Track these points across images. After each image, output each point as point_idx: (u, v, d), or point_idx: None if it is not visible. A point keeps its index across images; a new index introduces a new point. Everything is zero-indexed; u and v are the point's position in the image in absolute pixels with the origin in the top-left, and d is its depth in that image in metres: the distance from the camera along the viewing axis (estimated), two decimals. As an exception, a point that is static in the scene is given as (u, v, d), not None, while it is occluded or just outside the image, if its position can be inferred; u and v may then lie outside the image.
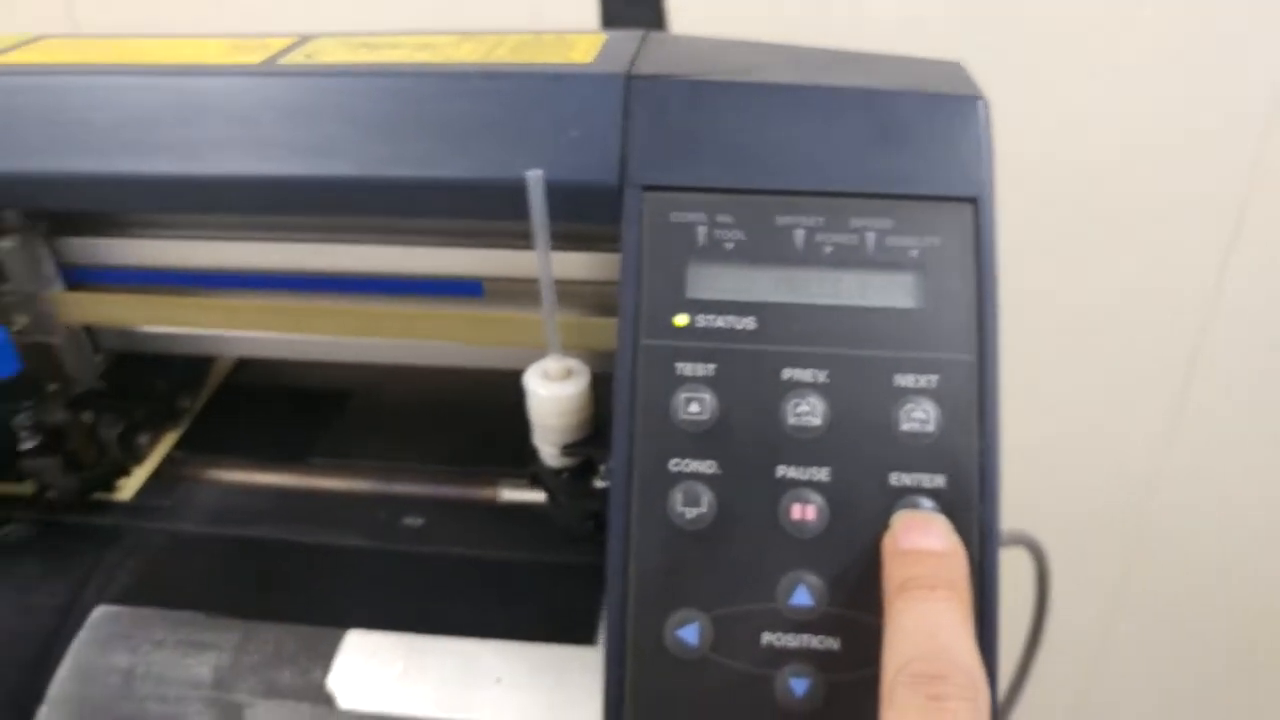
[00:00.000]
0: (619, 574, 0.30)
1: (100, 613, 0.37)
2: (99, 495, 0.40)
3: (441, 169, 0.32)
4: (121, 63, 0.36)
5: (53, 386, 0.39)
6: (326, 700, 0.34)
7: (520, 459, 0.40)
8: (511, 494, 0.41)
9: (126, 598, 0.37)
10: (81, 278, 0.39)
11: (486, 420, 0.44)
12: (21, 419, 0.38)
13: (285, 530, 0.39)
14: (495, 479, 0.41)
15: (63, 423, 0.38)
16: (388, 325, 0.38)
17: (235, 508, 0.41)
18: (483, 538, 0.39)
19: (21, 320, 0.39)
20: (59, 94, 0.34)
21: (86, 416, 0.39)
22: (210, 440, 0.44)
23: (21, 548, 0.39)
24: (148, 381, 0.43)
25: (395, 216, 0.36)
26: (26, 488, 0.40)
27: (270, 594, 0.37)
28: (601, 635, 0.35)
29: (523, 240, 0.37)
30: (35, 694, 0.35)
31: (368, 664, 0.34)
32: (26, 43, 0.39)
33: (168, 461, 0.43)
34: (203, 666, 0.35)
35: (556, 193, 0.31)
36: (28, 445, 0.38)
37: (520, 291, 0.38)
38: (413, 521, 0.39)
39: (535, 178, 0.30)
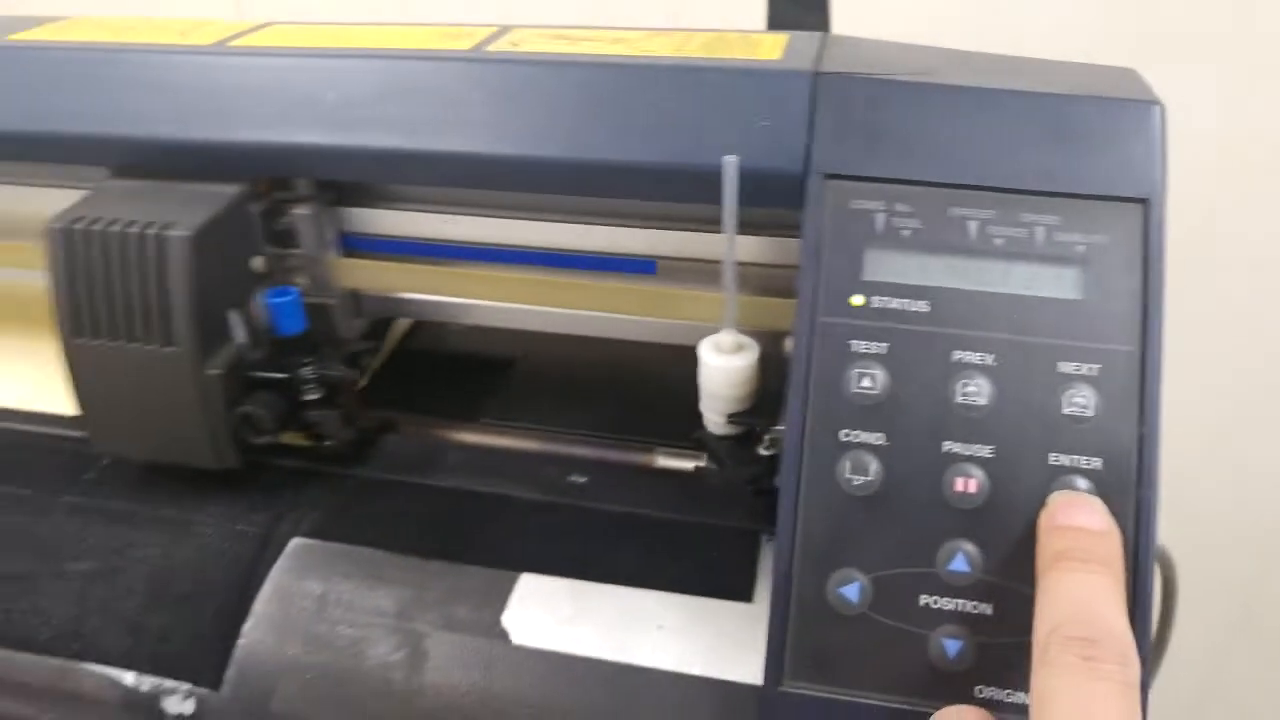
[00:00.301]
0: (788, 533, 0.32)
1: (296, 544, 0.40)
2: (293, 440, 0.44)
3: (639, 154, 0.35)
4: (361, 46, 0.40)
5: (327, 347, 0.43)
6: (501, 636, 0.37)
7: (672, 429, 0.43)
8: (667, 460, 0.43)
9: (319, 533, 0.41)
10: (353, 245, 0.43)
11: (644, 391, 0.47)
12: (307, 372, 0.42)
13: (461, 480, 0.43)
14: (652, 446, 0.44)
15: (340, 378, 0.42)
16: (577, 297, 0.41)
17: (415, 458, 0.44)
18: (642, 498, 0.41)
19: (303, 282, 0.43)
20: (318, 72, 0.38)
21: (355, 374, 0.43)
22: (391, 396, 0.48)
23: (232, 484, 0.43)
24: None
25: (592, 196, 0.39)
26: (298, 438, 0.44)
27: (449, 538, 0.40)
28: (758, 593, 0.37)
29: (693, 224, 0.40)
30: (242, 611, 0.39)
31: (539, 605, 0.37)
32: (259, 28, 0.43)
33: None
34: (387, 599, 0.39)
35: (745, 178, 0.33)
36: (311, 397, 0.42)
37: (688, 270, 0.41)
38: (577, 479, 0.42)
39: (730, 163, 0.33)
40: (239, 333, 0.40)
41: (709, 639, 0.36)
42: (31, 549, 0.41)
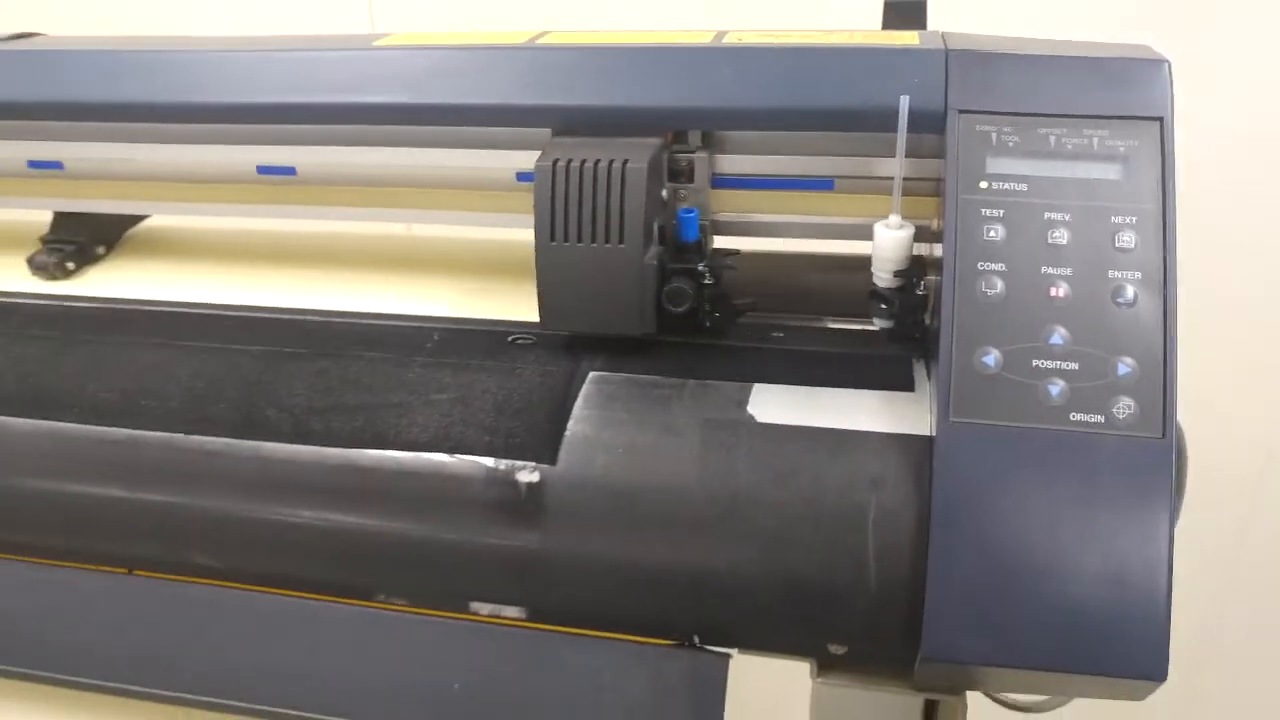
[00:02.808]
0: (948, 328, 0.51)
1: (594, 375, 0.59)
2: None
3: (856, 101, 0.55)
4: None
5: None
6: (748, 419, 0.55)
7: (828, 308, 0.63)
8: (836, 323, 0.63)
9: (607, 368, 0.60)
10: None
11: (815, 283, 0.67)
12: (703, 265, 0.59)
13: (709, 338, 0.62)
14: (823, 316, 0.63)
15: (724, 268, 0.60)
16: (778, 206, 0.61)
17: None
18: (825, 342, 0.61)
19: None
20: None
21: (732, 267, 0.62)
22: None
23: (530, 345, 0.62)
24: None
25: (824, 131, 0.59)
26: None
27: (701, 368, 0.59)
28: (917, 383, 0.56)
29: (861, 151, 0.60)
30: (564, 413, 0.57)
31: (770, 402, 0.56)
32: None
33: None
34: (659, 404, 0.57)
35: (910, 113, 0.53)
36: (707, 282, 0.59)
37: (857, 184, 0.60)
38: (778, 334, 0.62)
39: (904, 100, 0.53)
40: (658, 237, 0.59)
41: (892, 411, 0.55)
42: (406, 387, 0.60)
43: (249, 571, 0.61)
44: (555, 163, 0.56)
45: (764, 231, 0.65)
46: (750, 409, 0.56)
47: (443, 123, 0.63)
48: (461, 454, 0.57)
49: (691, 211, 0.60)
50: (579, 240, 0.56)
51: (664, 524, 0.54)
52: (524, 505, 0.56)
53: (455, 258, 0.76)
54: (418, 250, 0.77)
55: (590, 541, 0.55)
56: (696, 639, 0.56)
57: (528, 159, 0.59)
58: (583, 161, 0.56)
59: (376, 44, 0.65)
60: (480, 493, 0.57)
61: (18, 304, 0.70)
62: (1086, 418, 0.50)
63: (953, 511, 0.50)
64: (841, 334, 0.62)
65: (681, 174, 0.61)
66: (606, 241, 0.56)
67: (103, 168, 0.71)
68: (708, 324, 0.61)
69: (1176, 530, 0.50)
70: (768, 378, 0.58)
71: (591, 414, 0.57)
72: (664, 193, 0.60)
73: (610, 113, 0.59)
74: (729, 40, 0.60)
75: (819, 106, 0.57)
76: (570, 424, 0.57)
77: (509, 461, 0.57)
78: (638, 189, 0.56)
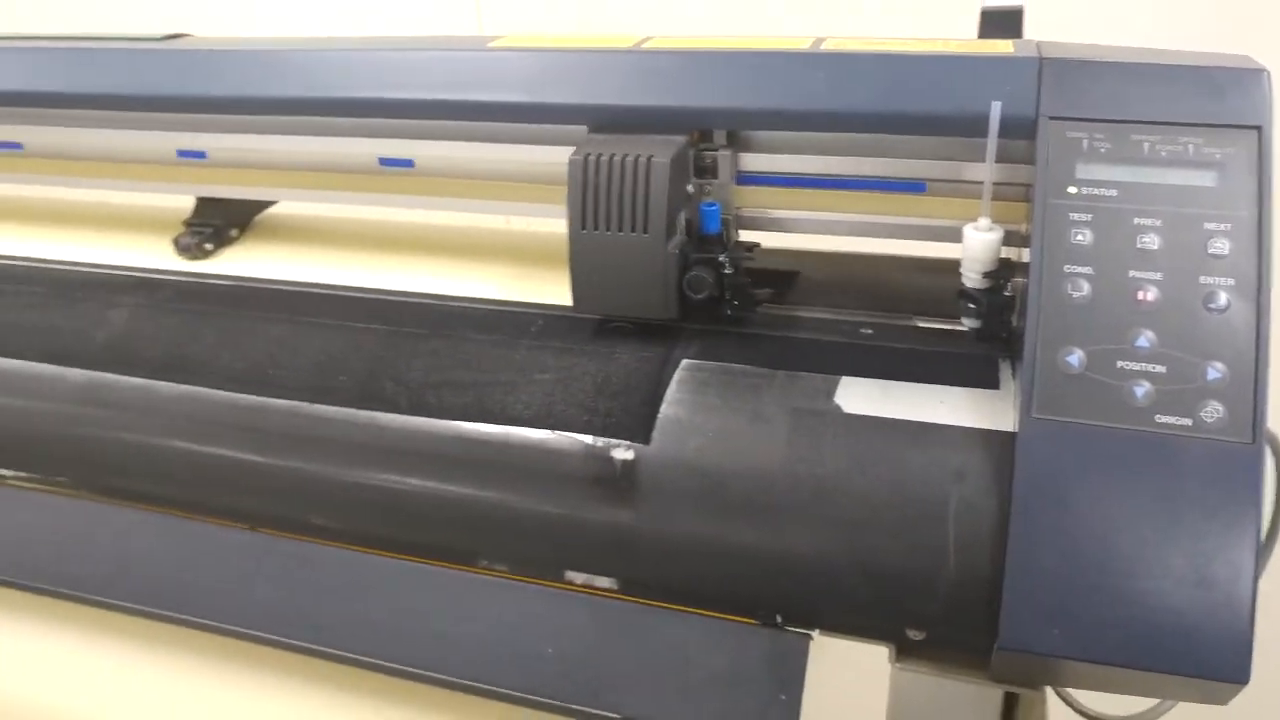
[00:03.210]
0: (1033, 327, 0.53)
1: (686, 362, 0.62)
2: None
3: (947, 107, 0.57)
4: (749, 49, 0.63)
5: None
6: (835, 409, 0.58)
7: (916, 307, 0.65)
8: (924, 322, 0.65)
9: (700, 356, 0.63)
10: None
11: (905, 284, 0.69)
12: (723, 256, 0.63)
13: (788, 330, 0.65)
14: (912, 315, 0.65)
15: (743, 259, 0.64)
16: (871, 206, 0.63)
17: (750, 321, 0.66)
18: (912, 339, 0.63)
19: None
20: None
21: (751, 258, 0.66)
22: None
23: (627, 333, 0.66)
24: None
25: (910, 135, 0.61)
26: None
27: (791, 360, 0.62)
28: (1002, 382, 0.58)
29: (951, 156, 0.61)
30: (658, 397, 0.60)
31: (856, 394, 0.59)
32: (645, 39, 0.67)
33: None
34: (749, 391, 0.60)
35: (1002, 119, 0.55)
36: (727, 271, 0.63)
37: (947, 188, 0.62)
38: (866, 331, 0.64)
39: (996, 106, 0.54)
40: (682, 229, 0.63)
41: (975, 406, 0.56)
42: (512, 368, 0.64)
43: (362, 533, 0.66)
44: (587, 157, 0.61)
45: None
46: (838, 399, 0.58)
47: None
48: (562, 431, 0.61)
49: (713, 205, 0.64)
50: (607, 229, 0.60)
51: (751, 506, 0.57)
52: (618, 482, 0.59)
53: (554, 249, 0.79)
54: (519, 241, 0.81)
55: (680, 519, 0.58)
56: (779, 619, 0.59)
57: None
58: (611, 156, 0.60)
59: (490, 45, 0.69)
60: (578, 468, 0.60)
61: (164, 280, 0.77)
62: (1173, 420, 0.51)
63: (1033, 505, 0.51)
64: (928, 332, 0.64)
65: (707, 171, 0.65)
66: (632, 231, 0.60)
67: (240, 157, 0.77)
68: (729, 311, 0.65)
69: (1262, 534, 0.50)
70: (856, 371, 0.60)
71: (684, 398, 0.60)
72: (689, 187, 0.64)
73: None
74: (826, 46, 0.63)
75: (913, 112, 0.59)
76: (664, 407, 0.60)
77: (606, 440, 0.60)
78: (662, 181, 0.59)
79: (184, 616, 0.67)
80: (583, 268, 0.62)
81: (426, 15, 1.28)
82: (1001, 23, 0.68)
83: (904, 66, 0.59)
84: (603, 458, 0.60)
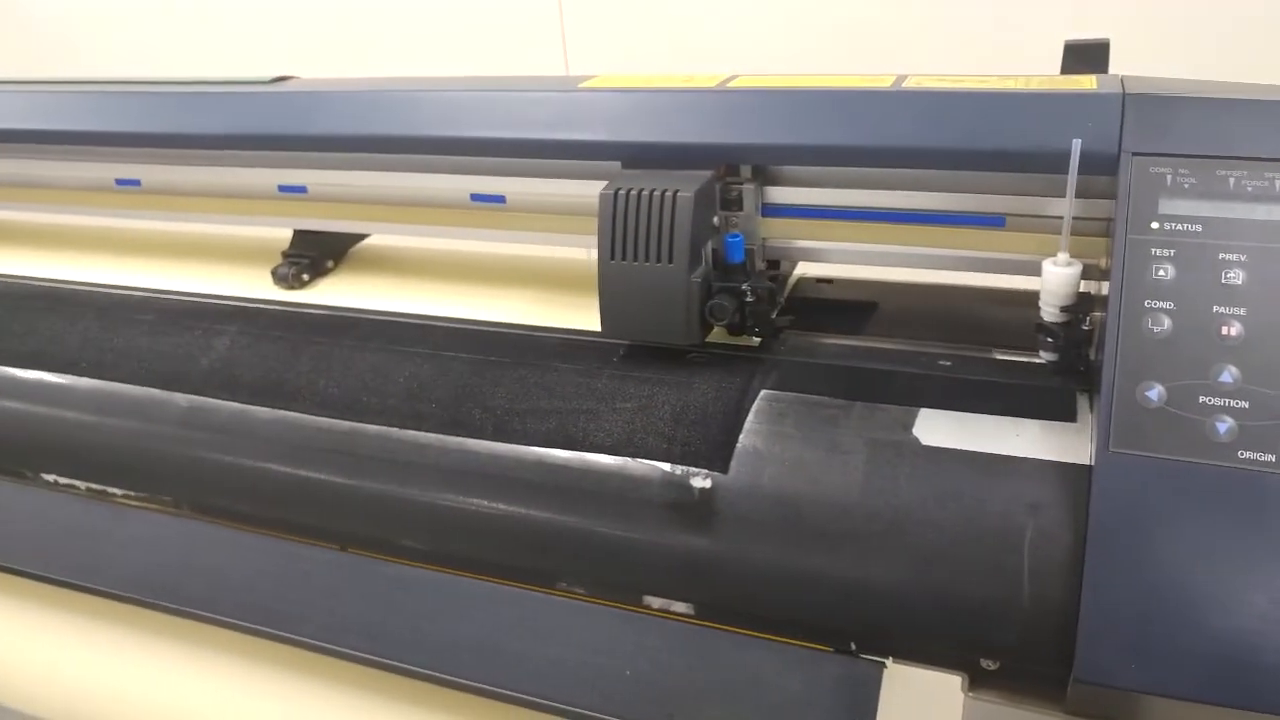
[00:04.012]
0: (1111, 362, 0.53)
1: (765, 394, 0.64)
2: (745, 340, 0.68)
3: (1027, 144, 0.58)
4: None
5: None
6: (914, 440, 0.58)
7: (993, 339, 0.65)
8: (1002, 354, 0.65)
9: (778, 387, 0.64)
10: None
11: (981, 316, 0.69)
12: (746, 285, 0.66)
13: (867, 361, 0.65)
14: (989, 347, 0.66)
15: (767, 288, 0.67)
16: (945, 241, 0.64)
17: (827, 352, 0.67)
18: (990, 371, 0.63)
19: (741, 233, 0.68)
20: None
21: (774, 287, 0.68)
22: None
23: (706, 363, 0.67)
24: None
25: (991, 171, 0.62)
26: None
27: (869, 392, 0.62)
28: (1079, 415, 0.58)
29: (1028, 191, 0.62)
30: (736, 426, 0.62)
31: (934, 426, 0.59)
32: (731, 77, 0.69)
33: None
34: (827, 422, 0.61)
35: (1083, 155, 0.55)
36: (749, 300, 0.66)
37: (1025, 222, 0.63)
38: (945, 363, 0.64)
39: (1077, 143, 0.55)
40: (705, 258, 0.65)
41: (1052, 439, 0.57)
42: (594, 396, 0.66)
43: (447, 554, 0.68)
44: (618, 191, 0.64)
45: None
46: (915, 431, 0.59)
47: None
48: (642, 458, 0.63)
49: (736, 236, 0.66)
50: (634, 259, 0.64)
51: (827, 535, 0.58)
52: (696, 509, 0.61)
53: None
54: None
55: (756, 547, 0.60)
56: (853, 645, 0.59)
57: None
58: (640, 190, 0.63)
59: (581, 85, 0.72)
60: (657, 495, 0.62)
61: (262, 309, 0.81)
62: (1256, 456, 0.51)
63: (1110, 538, 0.51)
64: (1005, 364, 0.64)
65: (733, 203, 0.68)
66: (657, 261, 0.63)
67: (338, 192, 0.81)
68: (753, 337, 0.68)
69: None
70: (934, 403, 0.61)
71: (762, 428, 0.62)
72: (715, 219, 0.67)
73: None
74: (908, 85, 0.64)
75: (993, 149, 0.60)
76: (742, 436, 0.62)
77: (684, 468, 0.62)
78: (686, 214, 0.62)
79: (276, 632, 0.70)
80: (611, 296, 0.65)
81: (514, 49, 1.33)
82: (1086, 56, 0.68)
83: (986, 104, 0.60)
84: (681, 485, 0.61)
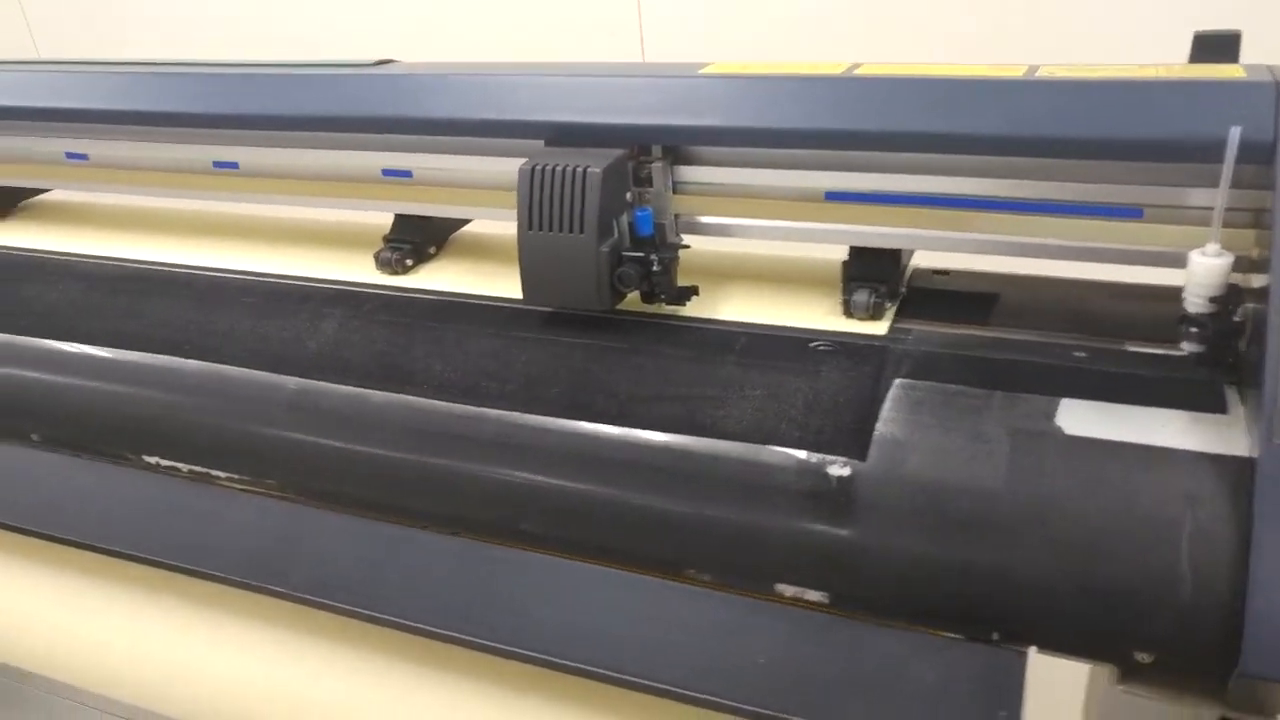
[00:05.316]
0: (1275, 351, 0.53)
1: (899, 383, 0.63)
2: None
3: (1180, 131, 0.58)
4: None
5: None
6: (1057, 430, 0.58)
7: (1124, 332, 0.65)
8: (1135, 346, 0.65)
9: (911, 375, 0.64)
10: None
11: (1104, 310, 0.69)
12: (653, 255, 0.70)
13: (999, 352, 0.65)
14: (1120, 340, 0.65)
15: (670, 258, 0.72)
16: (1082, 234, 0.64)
17: (957, 342, 0.67)
18: (1130, 364, 0.63)
19: (651, 208, 0.72)
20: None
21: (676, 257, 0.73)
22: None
23: (832, 352, 0.67)
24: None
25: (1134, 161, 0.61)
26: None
27: (1001, 383, 0.62)
28: (1229, 407, 0.58)
29: (1166, 181, 0.62)
30: (873, 414, 0.61)
31: (1078, 415, 0.59)
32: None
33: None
34: (967, 412, 0.61)
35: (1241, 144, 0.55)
36: (655, 269, 0.70)
37: (1164, 214, 0.62)
38: (1080, 354, 0.64)
39: (1235, 131, 0.55)
40: (618, 230, 0.69)
41: (1204, 431, 0.56)
42: (718, 383, 0.66)
43: (570, 540, 0.68)
44: (535, 167, 0.69)
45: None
46: (1058, 421, 0.59)
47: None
48: (775, 445, 0.62)
49: (645, 210, 0.71)
50: (548, 230, 0.68)
51: (970, 524, 0.58)
52: (834, 496, 0.60)
53: (754, 268, 0.81)
54: (717, 261, 0.83)
55: (896, 535, 0.59)
56: (995, 635, 0.59)
57: (834, 180, 0.68)
58: (554, 166, 0.68)
59: (701, 72, 0.71)
60: (792, 483, 0.61)
61: (369, 292, 0.80)
62: None
63: (1277, 529, 0.51)
64: (1143, 356, 0.64)
65: (645, 180, 0.72)
66: (569, 232, 0.68)
67: (443, 176, 0.80)
68: (657, 302, 0.73)
69: None
70: (1073, 393, 0.60)
71: (899, 417, 0.61)
72: (628, 195, 0.71)
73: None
74: (1041, 74, 0.64)
75: (1140, 138, 0.59)
76: (879, 425, 0.61)
77: (821, 455, 0.61)
78: (595, 189, 0.67)
79: (390, 618, 0.70)
80: (531, 266, 0.70)
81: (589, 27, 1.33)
82: (1216, 47, 0.68)
83: (1133, 93, 0.60)
84: (818, 473, 0.61)
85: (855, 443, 0.61)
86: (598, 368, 0.69)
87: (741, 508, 0.63)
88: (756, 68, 0.71)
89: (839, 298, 0.72)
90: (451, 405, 0.70)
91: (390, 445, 0.72)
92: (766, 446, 0.63)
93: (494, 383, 0.70)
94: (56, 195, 1.06)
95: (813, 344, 0.68)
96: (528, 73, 0.77)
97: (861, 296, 0.69)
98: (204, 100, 0.85)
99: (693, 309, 0.73)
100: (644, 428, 0.65)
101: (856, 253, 0.72)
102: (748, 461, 0.63)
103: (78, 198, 1.06)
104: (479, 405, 0.70)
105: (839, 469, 0.61)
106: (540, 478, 0.68)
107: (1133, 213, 0.63)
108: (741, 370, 0.67)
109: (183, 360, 0.79)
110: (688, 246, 0.76)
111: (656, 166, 0.72)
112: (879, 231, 0.70)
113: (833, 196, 0.69)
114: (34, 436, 0.84)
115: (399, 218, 0.85)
